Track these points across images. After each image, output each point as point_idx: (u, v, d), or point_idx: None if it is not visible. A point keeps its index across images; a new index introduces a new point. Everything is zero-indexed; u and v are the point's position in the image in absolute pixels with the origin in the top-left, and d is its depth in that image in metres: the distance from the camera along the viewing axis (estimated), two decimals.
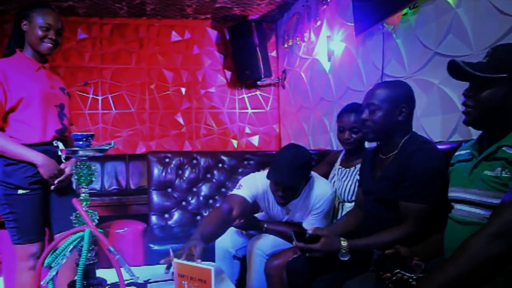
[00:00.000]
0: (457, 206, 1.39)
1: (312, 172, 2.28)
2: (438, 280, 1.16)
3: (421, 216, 1.60)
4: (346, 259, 1.66)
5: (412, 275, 1.28)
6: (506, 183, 1.21)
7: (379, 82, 1.79)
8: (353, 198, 2.26)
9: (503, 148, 1.24)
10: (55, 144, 1.74)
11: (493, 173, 1.25)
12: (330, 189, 2.27)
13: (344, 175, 2.38)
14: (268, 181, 2.23)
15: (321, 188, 2.25)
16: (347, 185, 2.33)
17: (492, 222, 1.14)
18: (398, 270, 1.29)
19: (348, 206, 2.29)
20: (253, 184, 2.26)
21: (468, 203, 1.34)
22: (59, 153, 1.96)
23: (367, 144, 2.37)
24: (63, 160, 2.06)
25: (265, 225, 2.38)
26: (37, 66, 2.09)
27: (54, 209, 2.14)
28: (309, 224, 2.26)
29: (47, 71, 2.13)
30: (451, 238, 1.39)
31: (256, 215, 2.66)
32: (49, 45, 2.05)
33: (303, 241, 1.73)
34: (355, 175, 2.31)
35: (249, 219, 2.41)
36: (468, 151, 1.43)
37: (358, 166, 2.24)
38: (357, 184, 2.24)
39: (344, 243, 1.66)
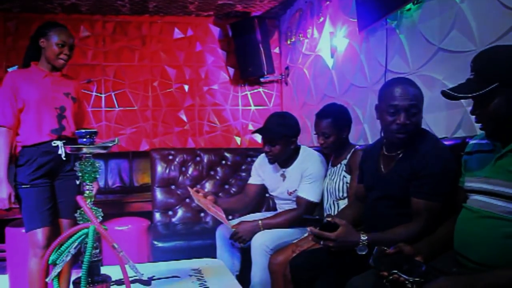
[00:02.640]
0: (475, 197, 1.36)
1: (303, 146, 2.60)
2: (488, 280, 1.14)
3: (432, 214, 1.60)
4: (363, 253, 1.59)
5: (410, 278, 1.25)
6: None
7: (396, 78, 1.74)
8: (344, 195, 2.32)
9: None
10: (54, 144, 2.20)
11: None
12: (316, 153, 2.54)
13: (333, 173, 2.42)
14: (261, 158, 2.72)
15: (308, 154, 2.53)
16: (336, 182, 2.36)
17: None
18: (396, 271, 1.28)
19: (342, 203, 2.34)
20: (253, 168, 2.80)
21: (487, 194, 1.31)
22: (59, 151, 2.27)
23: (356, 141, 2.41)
24: (63, 158, 2.33)
25: (260, 222, 2.42)
26: (44, 74, 2.37)
27: (58, 199, 2.41)
28: (304, 189, 2.46)
29: (54, 78, 2.40)
30: (465, 229, 1.37)
31: (252, 215, 2.70)
32: (63, 60, 2.38)
33: (318, 227, 1.64)
34: (341, 172, 2.36)
35: (244, 223, 2.45)
36: (488, 141, 1.40)
37: (344, 162, 2.34)
38: (344, 180, 2.31)
39: (364, 237, 1.60)
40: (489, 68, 1.26)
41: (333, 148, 2.38)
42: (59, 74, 2.44)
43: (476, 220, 1.32)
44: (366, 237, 1.60)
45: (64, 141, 2.34)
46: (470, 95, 1.26)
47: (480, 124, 1.33)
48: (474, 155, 1.45)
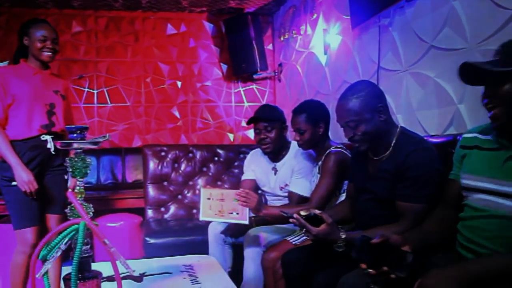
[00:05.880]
0: (480, 196, 1.35)
1: (293, 141, 2.55)
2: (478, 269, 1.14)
3: (418, 215, 1.59)
4: (340, 250, 1.65)
5: (399, 273, 1.22)
6: None
7: (344, 92, 1.77)
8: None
9: None
10: (42, 138, 2.19)
11: None
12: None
13: (314, 174, 2.41)
14: (256, 152, 2.75)
15: (298, 149, 2.50)
16: (314, 183, 2.36)
17: None
18: (385, 268, 1.23)
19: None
20: (246, 163, 2.82)
21: (496, 194, 1.29)
22: (48, 145, 2.32)
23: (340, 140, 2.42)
24: (53, 152, 2.35)
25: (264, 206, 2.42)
26: (34, 71, 2.40)
27: (44, 194, 2.41)
28: (295, 184, 2.49)
29: (44, 75, 2.43)
30: (473, 227, 1.36)
31: None
32: (49, 53, 2.38)
33: (304, 217, 1.69)
34: (316, 173, 2.38)
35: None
36: (490, 137, 1.37)
37: (319, 163, 2.35)
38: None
39: (342, 235, 1.64)
40: None
41: (310, 145, 2.37)
42: (48, 72, 2.48)
43: (485, 219, 1.31)
44: (344, 236, 1.63)
45: (52, 136, 2.36)
46: (495, 69, 1.21)
47: (490, 112, 1.28)
48: (474, 151, 1.42)
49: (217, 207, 2.30)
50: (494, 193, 1.30)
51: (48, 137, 2.30)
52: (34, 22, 2.42)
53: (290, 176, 2.51)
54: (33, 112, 2.34)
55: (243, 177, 2.80)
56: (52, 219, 2.44)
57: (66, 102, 2.53)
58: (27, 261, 2.32)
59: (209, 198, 2.34)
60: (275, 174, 2.60)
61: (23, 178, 2.25)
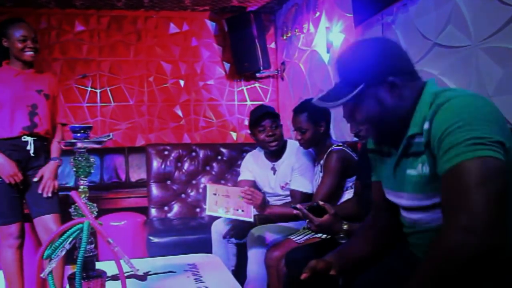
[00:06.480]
0: (401, 211, 1.28)
1: (289, 139, 2.66)
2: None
3: None
4: (343, 241, 1.66)
5: None
6: (431, 179, 1.08)
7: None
8: None
9: (414, 140, 1.13)
10: (23, 139, 2.29)
11: (415, 171, 1.13)
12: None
13: (316, 173, 2.40)
14: (253, 154, 2.76)
15: (295, 147, 2.53)
16: (317, 182, 2.35)
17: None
18: None
19: None
20: (244, 165, 2.79)
21: (408, 210, 1.22)
22: (28, 147, 2.38)
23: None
24: (32, 154, 2.39)
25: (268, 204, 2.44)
26: (15, 72, 2.39)
27: (30, 195, 2.41)
28: (296, 182, 2.48)
29: (26, 75, 2.41)
30: (412, 245, 1.29)
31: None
32: (30, 52, 2.37)
33: (307, 208, 1.70)
34: (318, 172, 2.37)
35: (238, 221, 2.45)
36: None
37: (322, 161, 2.33)
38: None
39: (344, 227, 1.66)
40: (351, 70, 1.20)
41: (311, 144, 2.37)
42: (32, 71, 2.45)
43: (413, 235, 1.25)
44: (347, 227, 1.66)
45: (35, 138, 2.38)
46: (338, 102, 1.18)
47: (359, 130, 1.27)
48: (375, 155, 1.38)
49: (223, 203, 2.35)
50: (407, 208, 1.22)
51: (29, 139, 2.35)
52: (11, 22, 2.39)
53: (290, 174, 2.50)
54: (14, 115, 2.34)
55: (240, 178, 2.78)
56: (47, 219, 2.38)
57: (51, 100, 2.49)
58: (16, 254, 2.36)
59: (215, 194, 2.39)
60: (274, 173, 2.60)
61: (8, 170, 2.27)
